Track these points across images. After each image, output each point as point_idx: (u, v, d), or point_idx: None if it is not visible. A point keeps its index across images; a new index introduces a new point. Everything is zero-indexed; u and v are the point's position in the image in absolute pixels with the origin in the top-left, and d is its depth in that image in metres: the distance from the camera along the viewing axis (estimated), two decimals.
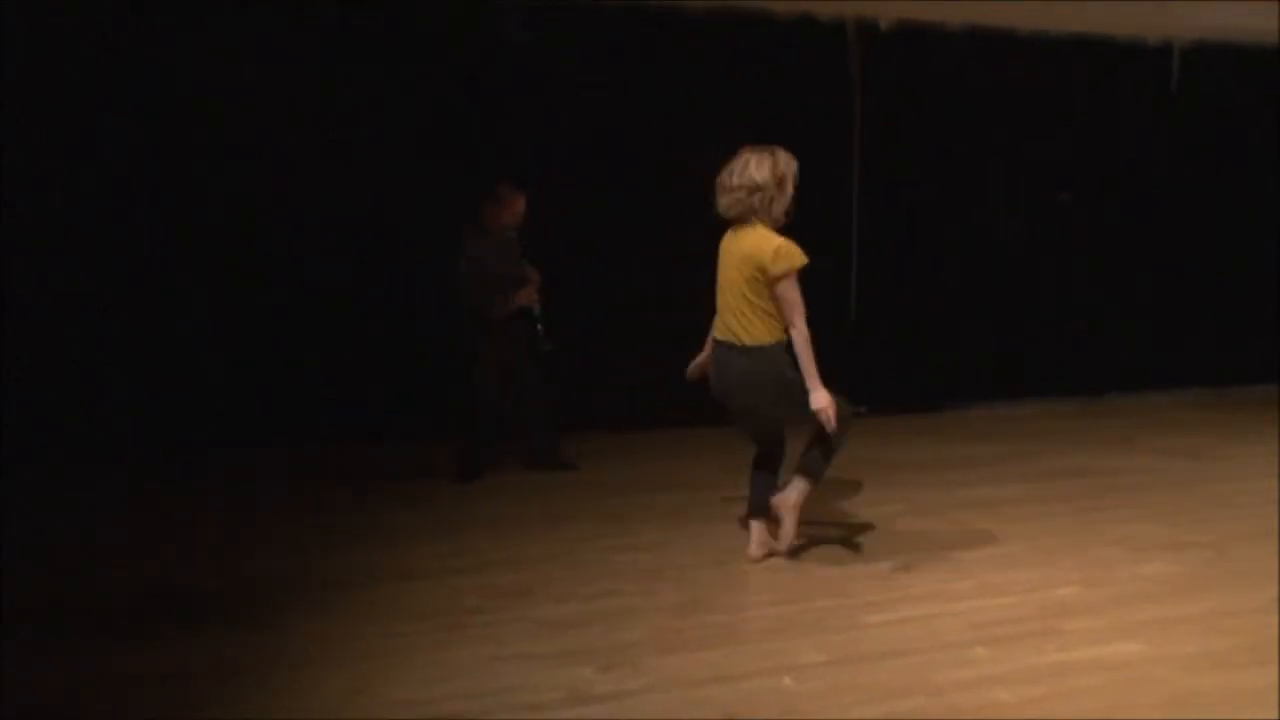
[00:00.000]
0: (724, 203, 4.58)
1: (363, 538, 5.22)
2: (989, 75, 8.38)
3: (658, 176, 7.44)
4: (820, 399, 4.47)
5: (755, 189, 4.51)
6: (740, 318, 4.56)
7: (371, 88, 6.94)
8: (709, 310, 4.79)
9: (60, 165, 6.47)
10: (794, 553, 4.85)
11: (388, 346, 7.12)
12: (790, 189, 4.58)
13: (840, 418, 4.54)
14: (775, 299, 4.50)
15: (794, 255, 4.47)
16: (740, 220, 4.58)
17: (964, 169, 8.43)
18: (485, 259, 6.13)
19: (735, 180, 4.53)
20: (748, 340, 4.54)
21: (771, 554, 4.82)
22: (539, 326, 6.21)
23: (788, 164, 4.59)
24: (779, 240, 4.50)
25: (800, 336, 4.49)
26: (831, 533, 5.21)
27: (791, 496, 4.71)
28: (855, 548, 5.01)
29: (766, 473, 4.90)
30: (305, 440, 6.93)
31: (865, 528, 5.33)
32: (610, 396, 7.05)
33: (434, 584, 4.53)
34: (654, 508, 5.67)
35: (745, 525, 4.99)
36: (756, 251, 4.48)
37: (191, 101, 6.65)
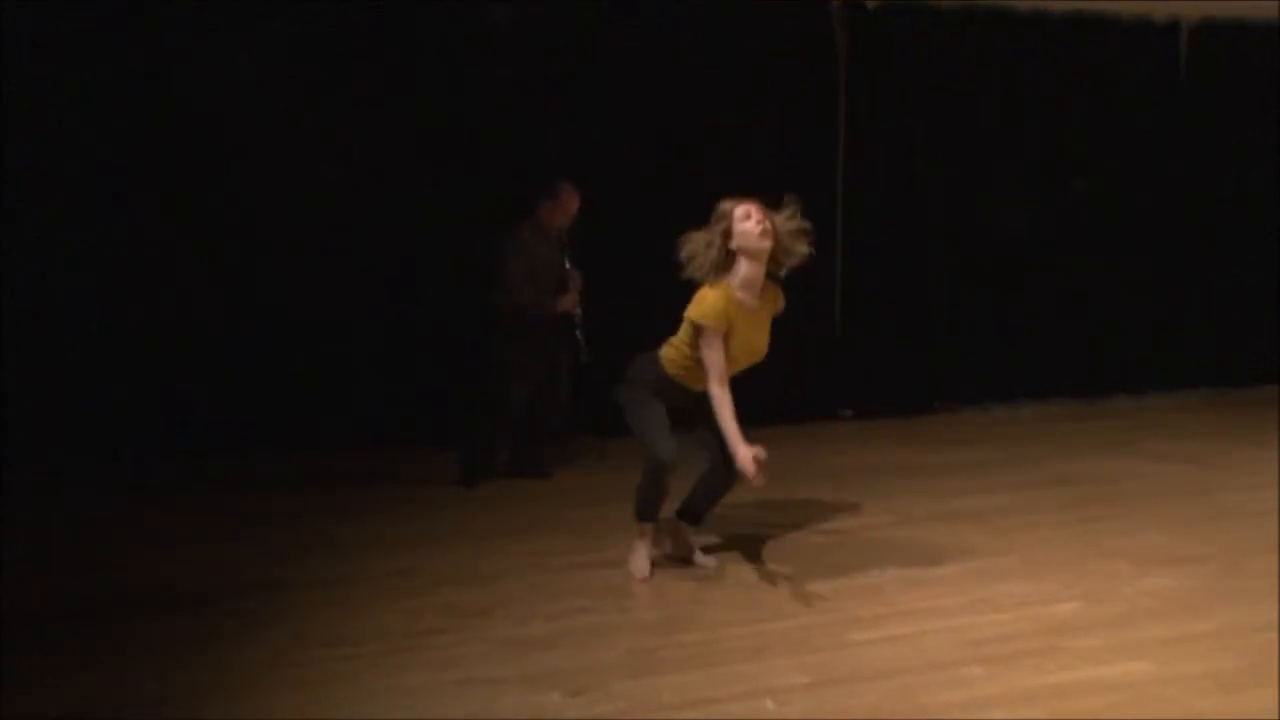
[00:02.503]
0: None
1: (310, 551, 5.19)
2: (985, 57, 8.40)
3: (640, 167, 7.46)
4: (743, 456, 4.43)
5: (688, 260, 4.59)
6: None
7: (372, 86, 7.11)
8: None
9: (61, 166, 6.65)
10: (778, 566, 4.87)
11: (369, 351, 7.28)
12: (741, 227, 4.54)
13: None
14: None
15: (705, 310, 4.50)
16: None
17: (957, 157, 8.44)
18: (539, 260, 6.20)
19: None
20: None
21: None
22: (579, 334, 6.27)
23: (723, 215, 4.59)
24: (705, 291, 4.55)
25: (714, 398, 4.51)
26: (815, 545, 5.20)
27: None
28: (840, 561, 4.99)
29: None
30: (280, 446, 7.07)
31: (850, 539, 5.32)
32: (575, 402, 7.04)
33: (387, 602, 4.49)
34: (624, 519, 5.58)
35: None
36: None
37: (192, 102, 6.82)
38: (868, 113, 8.19)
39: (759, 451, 4.40)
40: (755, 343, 4.66)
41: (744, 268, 4.57)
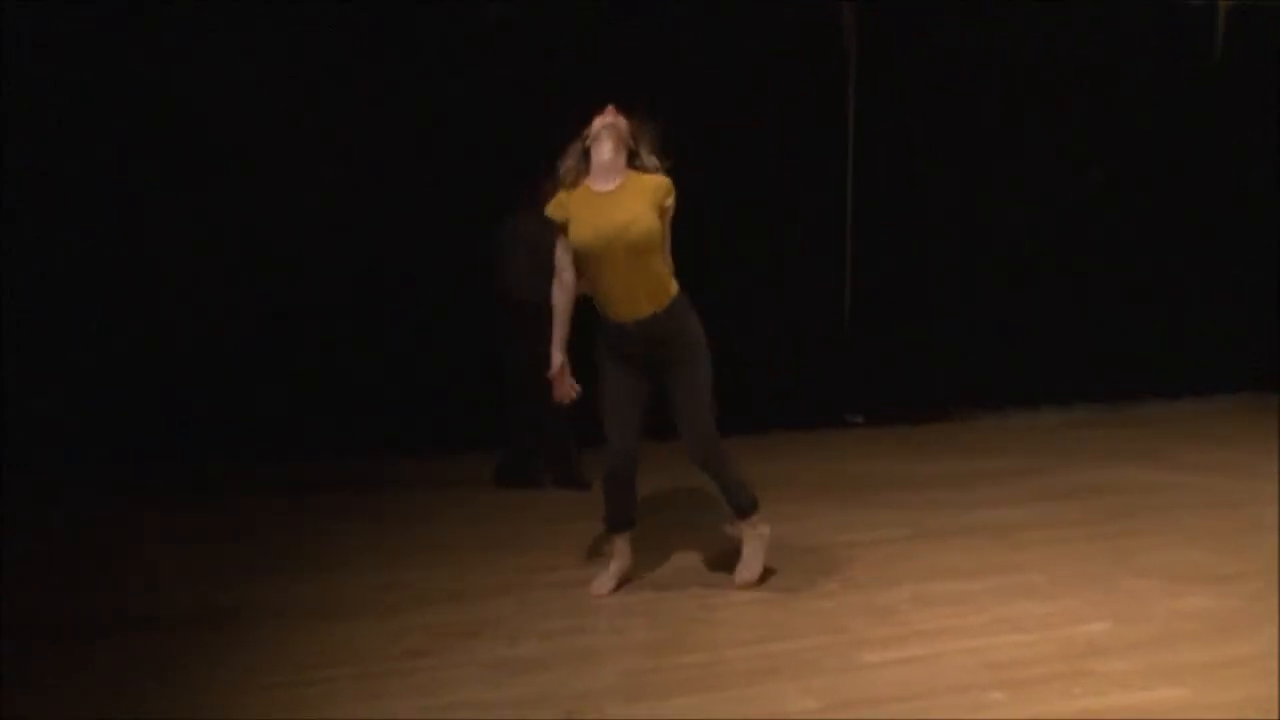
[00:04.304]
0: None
1: (294, 564, 5.20)
2: (1006, 41, 8.39)
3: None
4: (554, 360, 4.86)
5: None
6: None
7: (370, 86, 7.34)
8: None
9: (61, 168, 6.90)
10: (784, 582, 4.82)
11: (356, 357, 7.45)
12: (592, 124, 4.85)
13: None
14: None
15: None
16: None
17: (972, 153, 8.44)
18: (545, 247, 6.19)
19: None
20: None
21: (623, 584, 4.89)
22: None
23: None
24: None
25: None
26: (823, 560, 5.17)
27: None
28: (850, 577, 4.95)
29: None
30: (276, 452, 7.31)
31: (862, 554, 5.28)
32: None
33: (367, 621, 4.47)
34: None
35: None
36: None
37: (192, 102, 7.07)
38: (877, 109, 8.19)
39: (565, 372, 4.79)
40: (604, 223, 4.64)
41: (594, 155, 4.78)
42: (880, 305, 8.35)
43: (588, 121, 4.89)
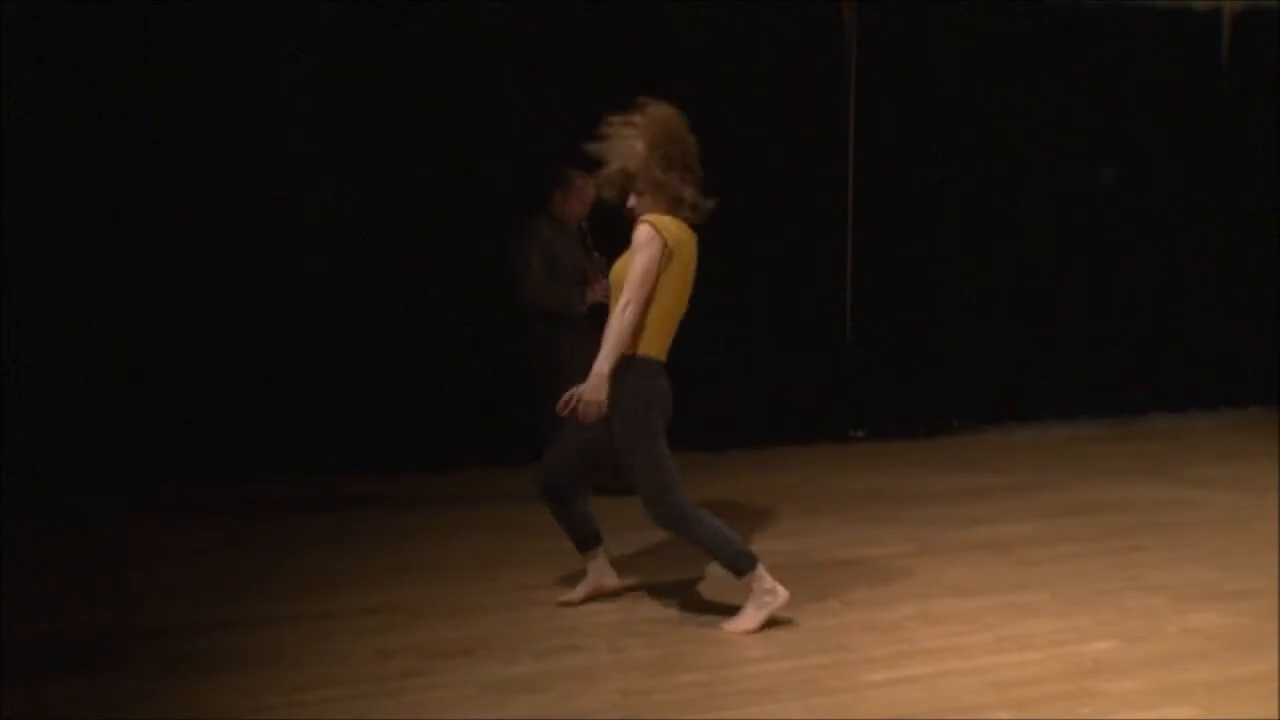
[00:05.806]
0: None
1: (280, 580, 5.20)
2: (1011, 47, 8.42)
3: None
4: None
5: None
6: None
7: (370, 86, 7.35)
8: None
9: (60, 171, 6.91)
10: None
11: (354, 372, 7.44)
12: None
13: None
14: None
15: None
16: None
17: (978, 156, 8.46)
18: (561, 255, 6.26)
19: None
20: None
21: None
22: None
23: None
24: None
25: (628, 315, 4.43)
26: (824, 577, 5.19)
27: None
28: (852, 595, 4.97)
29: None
30: (271, 469, 7.29)
31: (863, 571, 5.30)
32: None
33: (356, 640, 4.46)
34: (617, 550, 5.61)
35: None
36: None
37: (193, 103, 7.07)
38: (880, 113, 8.21)
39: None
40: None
41: None
42: (882, 315, 8.35)
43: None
